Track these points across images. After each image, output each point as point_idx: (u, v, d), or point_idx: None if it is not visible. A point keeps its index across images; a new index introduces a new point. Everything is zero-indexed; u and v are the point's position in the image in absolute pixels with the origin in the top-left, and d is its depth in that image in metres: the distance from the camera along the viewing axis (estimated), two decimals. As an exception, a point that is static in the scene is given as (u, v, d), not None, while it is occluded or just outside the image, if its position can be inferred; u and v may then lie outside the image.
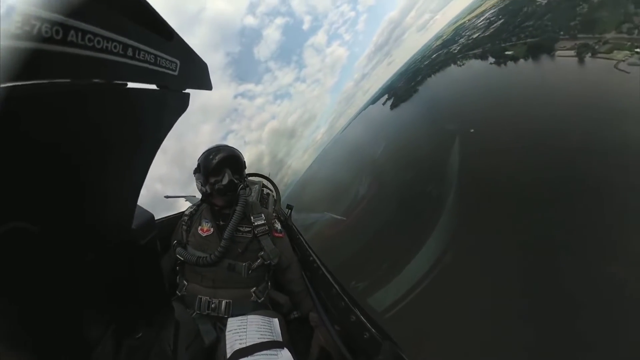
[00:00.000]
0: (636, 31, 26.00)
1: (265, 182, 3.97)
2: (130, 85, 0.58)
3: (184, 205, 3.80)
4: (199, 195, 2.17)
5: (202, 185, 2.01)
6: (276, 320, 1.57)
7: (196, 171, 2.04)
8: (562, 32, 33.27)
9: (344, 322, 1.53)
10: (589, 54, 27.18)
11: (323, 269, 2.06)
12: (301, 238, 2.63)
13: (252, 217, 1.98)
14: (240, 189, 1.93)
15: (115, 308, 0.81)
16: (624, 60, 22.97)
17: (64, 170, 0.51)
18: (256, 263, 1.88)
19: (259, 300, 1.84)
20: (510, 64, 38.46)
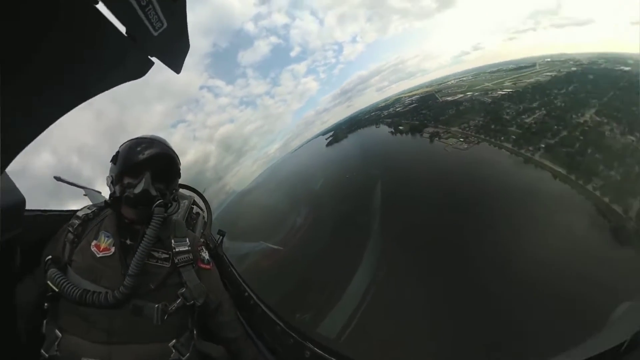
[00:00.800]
0: (465, 128, 49.92)
1: (197, 198, 3.39)
2: (103, 10, 0.48)
3: (81, 202, 2.72)
4: (106, 194, 1.59)
5: (112, 183, 1.47)
6: None
7: (113, 160, 1.49)
8: (432, 122, 58.09)
9: None
10: (437, 138, 50.74)
11: (262, 305, 1.82)
12: (233, 271, 2.30)
13: (172, 241, 1.49)
14: (156, 206, 1.38)
15: None
16: (450, 145, 47.34)
17: None
18: (175, 304, 1.38)
19: (183, 359, 1.37)
20: (401, 135, 61.70)
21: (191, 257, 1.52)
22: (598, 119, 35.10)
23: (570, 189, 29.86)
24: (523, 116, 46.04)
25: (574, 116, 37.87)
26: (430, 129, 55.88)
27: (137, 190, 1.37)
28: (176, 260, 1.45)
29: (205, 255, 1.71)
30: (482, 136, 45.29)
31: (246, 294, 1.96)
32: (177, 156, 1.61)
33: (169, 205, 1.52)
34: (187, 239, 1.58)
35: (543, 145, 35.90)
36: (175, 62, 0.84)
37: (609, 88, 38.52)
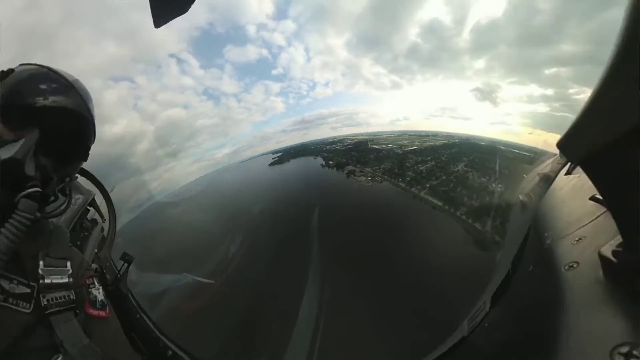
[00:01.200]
0: (375, 169, 64.18)
1: (99, 196, 2.31)
2: None
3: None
4: None
5: None
6: None
7: None
8: (355, 162, 74.93)
9: None
10: (352, 175, 64.10)
11: None
12: (145, 318, 1.60)
13: (42, 264, 0.85)
14: (26, 195, 0.78)
15: None
16: (359, 181, 60.25)
17: None
18: None
19: None
20: (328, 168, 78.95)
21: (73, 296, 0.89)
22: (465, 169, 56.92)
23: (444, 215, 41.12)
24: (419, 165, 64.98)
25: (451, 167, 59.17)
26: (350, 167, 71.30)
27: (3, 154, 0.75)
28: (45, 301, 0.81)
29: (99, 293, 1.04)
30: (386, 177, 61.22)
31: (169, 353, 1.37)
32: (94, 125, 1.06)
33: (50, 198, 0.97)
34: (69, 264, 0.93)
35: (428, 185, 51.24)
36: (162, 15, 0.75)
37: (473, 152, 67.14)
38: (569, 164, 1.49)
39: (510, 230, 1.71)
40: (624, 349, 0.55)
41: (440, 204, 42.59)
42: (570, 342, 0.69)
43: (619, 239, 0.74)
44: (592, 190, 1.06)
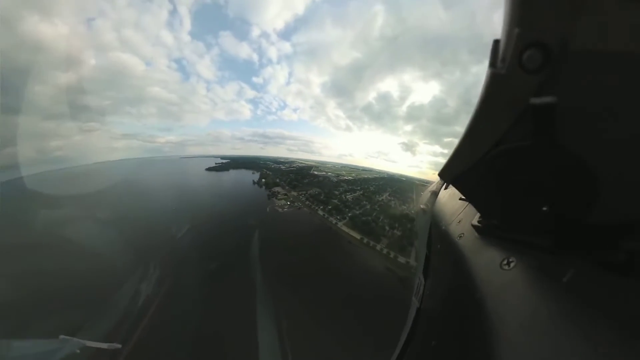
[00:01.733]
0: (301, 194, 66.19)
1: None
2: None
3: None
4: None
5: None
6: None
7: None
8: (287, 184, 77.25)
9: None
10: (274, 197, 64.32)
11: None
12: None
13: None
14: None
15: None
16: (276, 205, 59.44)
17: None
18: None
19: None
20: (258, 186, 79.22)
21: None
22: (389, 197, 66.54)
23: (365, 247, 42.36)
24: (347, 193, 69.11)
25: (377, 196, 67.35)
26: (278, 188, 70.97)
27: None
28: None
29: None
30: (308, 202, 62.15)
31: None
32: None
33: None
34: None
35: (350, 214, 52.48)
36: None
37: (396, 183, 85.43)
38: (445, 183, 2.30)
39: (419, 227, 2.43)
40: (505, 261, 1.06)
41: (357, 236, 43.99)
42: (475, 268, 1.24)
43: (478, 215, 1.38)
44: (458, 195, 1.79)
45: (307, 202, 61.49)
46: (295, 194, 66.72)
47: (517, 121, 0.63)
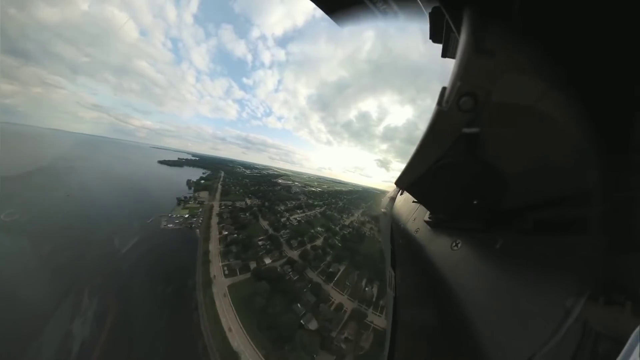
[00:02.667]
0: (249, 198, 67.32)
1: None
2: None
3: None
4: None
5: None
6: None
7: None
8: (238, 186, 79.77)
9: None
10: (182, 202, 62.64)
11: None
12: None
13: None
14: None
15: None
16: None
17: None
18: None
19: None
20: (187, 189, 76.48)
21: None
22: (363, 218, 70.16)
23: None
24: (298, 210, 66.37)
25: (345, 217, 69.93)
26: (204, 193, 70.37)
27: None
28: None
29: None
30: (227, 217, 60.93)
31: None
32: None
33: None
34: None
35: (267, 264, 49.23)
36: None
37: (371, 198, 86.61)
38: (400, 190, 2.68)
39: (382, 228, 2.77)
40: (453, 244, 1.41)
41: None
42: (432, 253, 1.54)
43: (428, 213, 1.71)
44: (411, 198, 2.15)
45: (227, 217, 58.56)
46: (215, 202, 63.27)
47: (453, 144, 0.95)
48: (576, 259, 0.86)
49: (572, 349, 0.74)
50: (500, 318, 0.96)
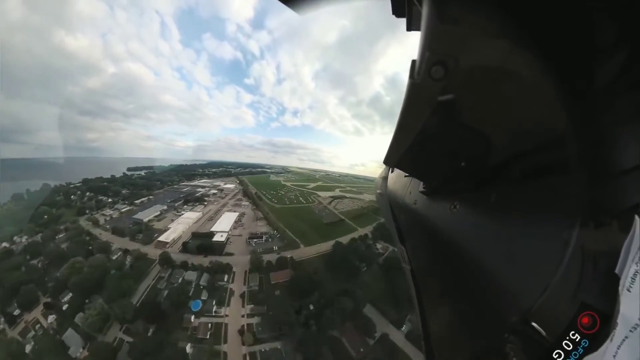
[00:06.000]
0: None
1: None
2: None
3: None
4: None
5: None
6: None
7: None
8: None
9: None
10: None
11: None
12: None
13: None
14: None
15: None
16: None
17: None
18: None
19: None
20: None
21: None
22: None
23: None
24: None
25: None
26: (103, 197, 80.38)
27: None
28: None
29: None
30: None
31: None
32: None
33: None
34: None
35: None
36: None
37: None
38: (390, 168, 2.74)
39: (382, 209, 2.85)
40: (452, 206, 1.50)
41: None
42: (434, 219, 1.61)
43: (422, 184, 1.78)
44: (403, 174, 2.23)
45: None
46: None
47: (432, 113, 0.97)
48: (562, 195, 0.94)
49: (577, 272, 0.82)
50: (508, 263, 1.04)
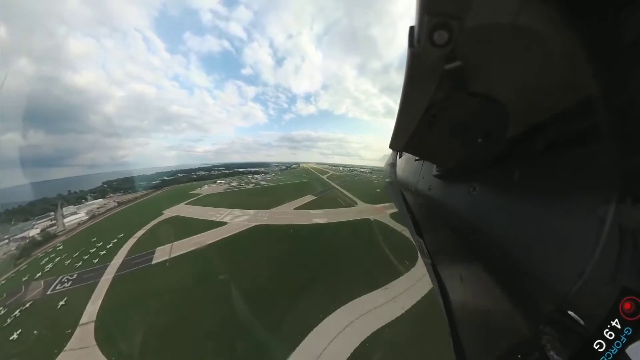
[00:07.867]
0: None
1: None
2: None
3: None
4: None
5: None
6: None
7: None
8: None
9: None
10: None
11: None
12: None
13: None
14: None
15: None
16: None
17: None
18: None
19: None
20: None
21: None
22: None
23: None
24: None
25: None
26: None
27: None
28: None
29: None
30: None
31: None
32: None
33: None
34: None
35: None
36: None
37: None
38: (398, 153, 2.63)
39: (393, 199, 2.75)
40: (472, 189, 1.41)
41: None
42: (454, 204, 1.53)
43: (435, 167, 1.69)
44: (413, 158, 2.12)
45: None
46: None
47: (438, 85, 0.86)
48: (594, 168, 0.83)
49: (616, 253, 0.72)
50: (539, 247, 0.94)
